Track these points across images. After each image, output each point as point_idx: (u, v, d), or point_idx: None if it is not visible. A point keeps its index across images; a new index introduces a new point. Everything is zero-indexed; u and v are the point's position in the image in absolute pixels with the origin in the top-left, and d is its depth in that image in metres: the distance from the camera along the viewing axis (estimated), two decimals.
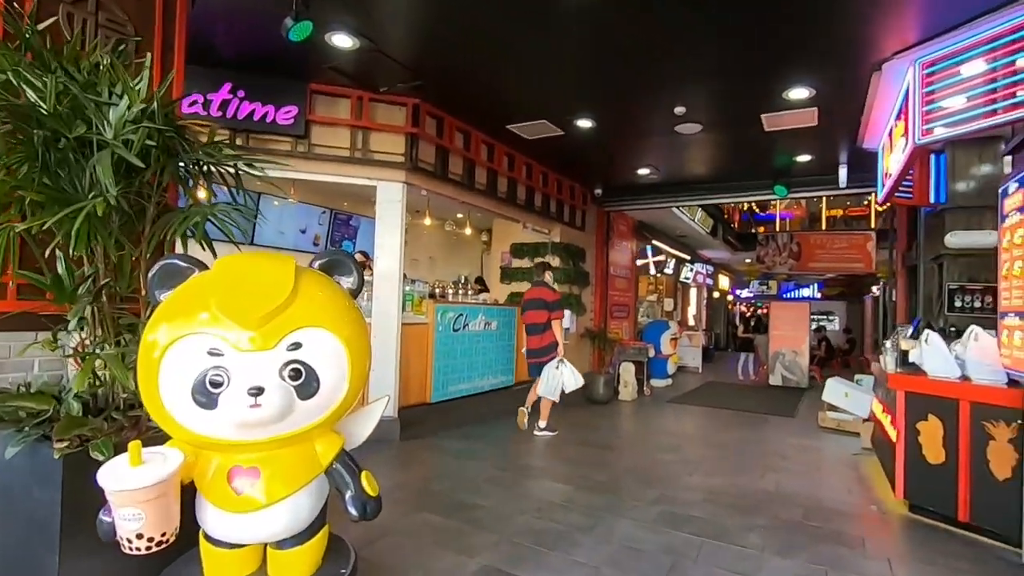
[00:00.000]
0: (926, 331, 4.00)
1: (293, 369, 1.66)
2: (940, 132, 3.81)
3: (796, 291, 28.09)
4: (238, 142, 4.79)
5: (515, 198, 7.21)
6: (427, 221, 8.26)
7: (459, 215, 10.07)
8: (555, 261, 8.39)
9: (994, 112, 3.51)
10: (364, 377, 1.89)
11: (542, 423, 5.89)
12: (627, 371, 9.45)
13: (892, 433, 4.30)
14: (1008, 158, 5.54)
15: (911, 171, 4.97)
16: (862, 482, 4.76)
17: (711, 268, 18.92)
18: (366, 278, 6.15)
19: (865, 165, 6.83)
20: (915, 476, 3.92)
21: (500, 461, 4.87)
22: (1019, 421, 3.35)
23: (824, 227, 17.93)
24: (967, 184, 5.63)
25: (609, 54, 4.34)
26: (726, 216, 16.15)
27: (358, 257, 6.84)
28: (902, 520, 3.87)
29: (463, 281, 10.81)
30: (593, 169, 7.99)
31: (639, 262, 11.44)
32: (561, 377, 5.84)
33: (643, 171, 7.66)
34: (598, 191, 9.01)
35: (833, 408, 7.70)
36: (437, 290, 7.94)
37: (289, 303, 1.66)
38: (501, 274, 8.80)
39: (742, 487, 4.41)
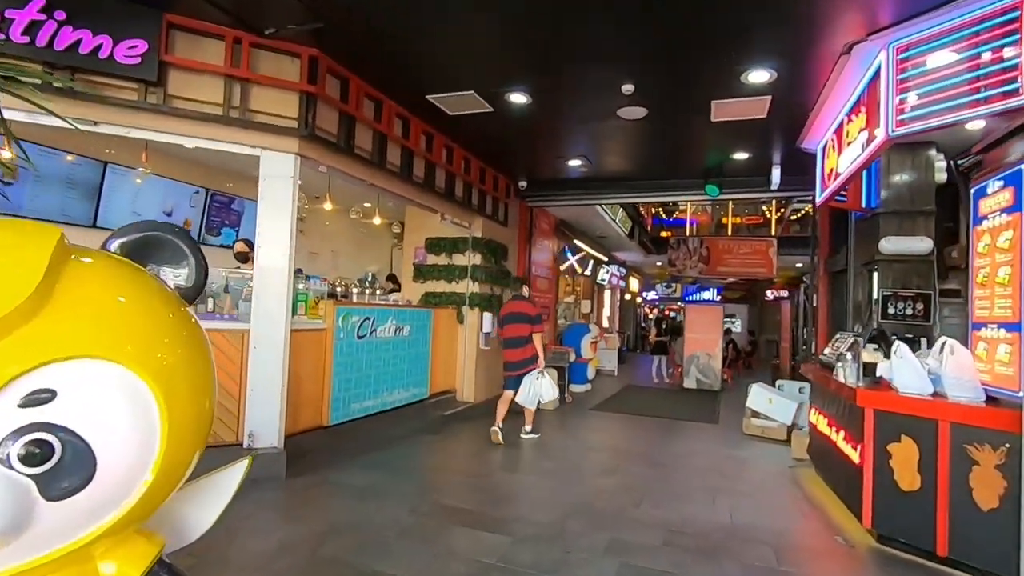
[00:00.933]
0: (897, 343, 3.64)
1: (32, 443, 0.72)
2: (917, 124, 3.45)
3: (698, 294, 29.47)
4: (56, 86, 3.47)
5: (433, 184, 6.28)
6: (328, 206, 7.08)
7: (367, 204, 8.94)
8: (475, 258, 7.56)
9: (980, 102, 3.16)
10: (195, 440, 0.96)
11: (528, 427, 6.19)
12: (548, 376, 8.83)
13: (851, 453, 3.93)
14: (942, 164, 5.52)
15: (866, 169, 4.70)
16: (813, 504, 4.39)
17: (624, 270, 19.01)
18: (243, 272, 4.96)
19: (797, 167, 6.68)
20: (885, 504, 3.53)
21: (415, 500, 3.95)
22: (1007, 445, 3.01)
23: (729, 233, 18.61)
24: (900, 189, 5.55)
25: (545, 12, 3.60)
26: (642, 219, 16.21)
27: (239, 248, 5.57)
28: (873, 555, 3.45)
29: (371, 279, 9.69)
30: (520, 158, 7.25)
31: (563, 266, 10.91)
32: (540, 388, 6.08)
33: (574, 162, 7.04)
34: (523, 183, 8.30)
35: (757, 415, 7.57)
36: (339, 289, 6.82)
37: (29, 313, 0.71)
38: (414, 271, 7.82)
39: (697, 521, 3.84)
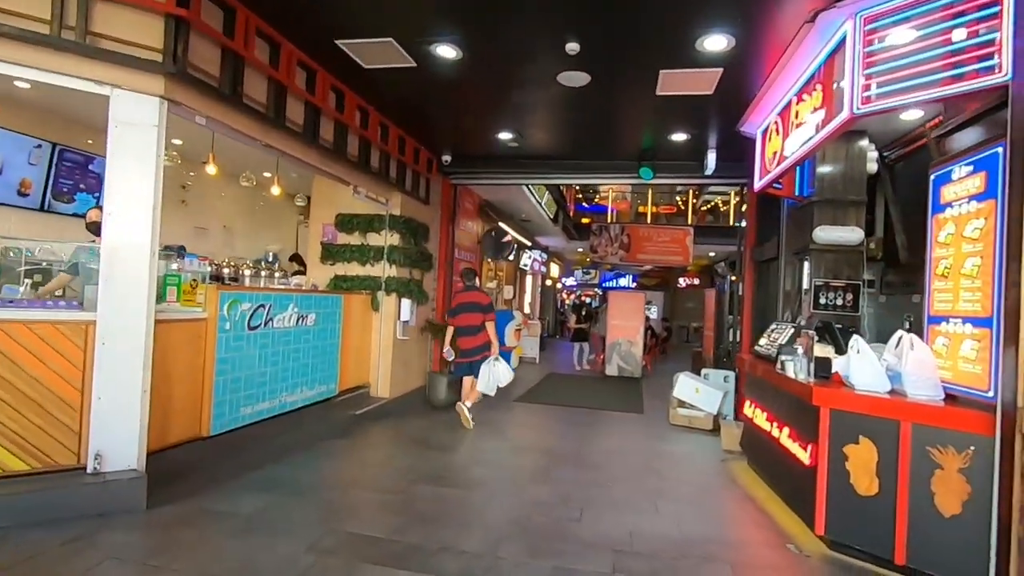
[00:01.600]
0: (855, 337, 3.41)
1: None
2: (885, 101, 3.18)
3: (615, 280, 30.10)
4: None
5: (344, 151, 5.43)
6: (212, 169, 5.97)
7: (267, 173, 7.82)
8: (393, 238, 6.78)
9: (955, 79, 2.92)
10: None
11: (468, 403, 6.26)
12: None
13: (800, 454, 3.70)
14: (874, 154, 5.50)
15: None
16: (757, 506, 4.16)
17: (546, 256, 18.78)
18: (86, 246, 3.85)
19: (732, 153, 6.50)
20: (840, 509, 3.31)
21: (316, 531, 3.23)
22: (972, 448, 2.82)
23: (649, 222, 18.89)
24: (834, 178, 5.47)
25: None
26: (566, 203, 15.97)
27: (91, 216, 4.44)
28: (828, 564, 3.22)
29: (272, 259, 8.59)
30: (446, 128, 6.53)
31: (485, 241, 10.32)
32: (498, 374, 6.20)
33: (505, 136, 6.43)
34: (446, 158, 7.58)
35: (683, 404, 7.47)
36: (228, 271, 5.80)
37: None
38: (323, 252, 6.90)
39: (644, 535, 3.44)
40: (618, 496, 4.18)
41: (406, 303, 6.93)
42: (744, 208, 7.59)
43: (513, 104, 5.44)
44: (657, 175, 6.97)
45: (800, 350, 3.83)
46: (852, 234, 5.33)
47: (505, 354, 10.24)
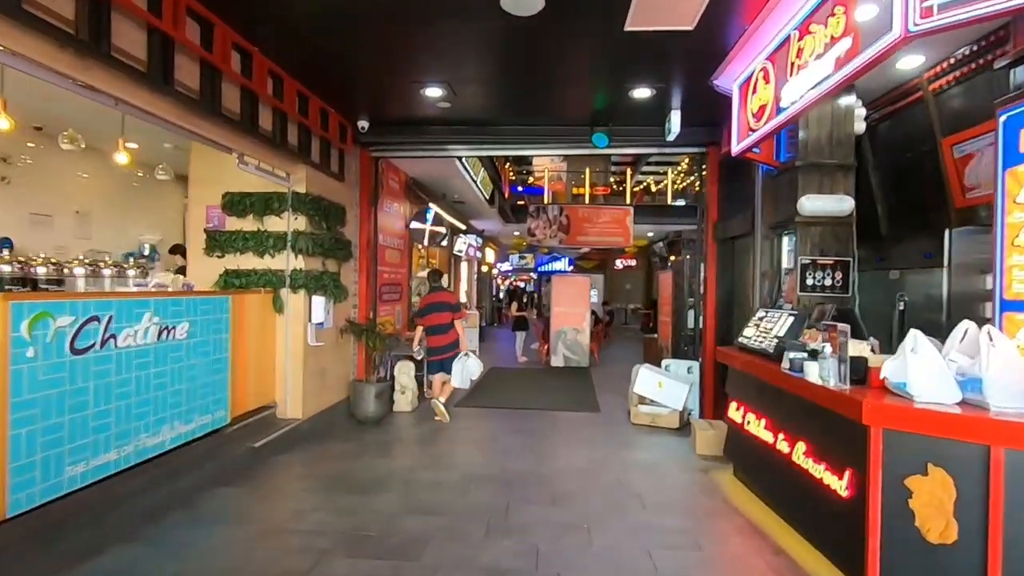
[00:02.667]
0: (912, 333, 2.59)
1: None
2: (957, 12, 2.34)
3: (551, 264, 29.47)
4: None
5: (218, 105, 4.07)
6: (3, 124, 4.34)
7: (134, 142, 6.19)
8: (299, 221, 5.46)
9: None
10: None
11: (442, 399, 6.45)
12: (404, 373, 7.11)
13: (833, 483, 2.89)
14: (861, 112, 4.79)
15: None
16: (770, 543, 3.35)
17: (480, 240, 17.68)
18: None
19: (698, 115, 5.68)
20: (901, 560, 2.51)
21: None
22: None
23: (587, 202, 18.18)
24: (820, 140, 4.74)
25: None
26: (502, 183, 14.93)
27: None
28: None
29: (149, 253, 6.98)
30: (360, 82, 5.25)
31: (414, 224, 9.07)
32: (470, 368, 6.37)
33: (434, 92, 5.24)
34: (363, 124, 6.28)
35: (643, 400, 6.69)
36: (46, 269, 4.30)
37: None
38: (207, 241, 5.47)
39: None
40: (601, 547, 3.23)
41: (319, 301, 5.65)
42: (700, 182, 6.84)
43: (443, 43, 4.27)
44: (612, 142, 6.03)
45: (827, 349, 2.99)
46: (841, 203, 4.62)
47: None
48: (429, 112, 5.89)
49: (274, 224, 5.46)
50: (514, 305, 11.86)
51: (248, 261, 5.45)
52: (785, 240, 5.18)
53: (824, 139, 4.71)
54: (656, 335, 9.21)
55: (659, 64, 4.64)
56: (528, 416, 6.95)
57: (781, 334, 3.92)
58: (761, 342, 4.11)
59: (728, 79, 4.67)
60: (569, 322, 11.36)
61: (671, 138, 5.76)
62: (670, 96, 5.35)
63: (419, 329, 6.51)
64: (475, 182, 9.93)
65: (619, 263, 22.88)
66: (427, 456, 5.13)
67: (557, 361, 11.29)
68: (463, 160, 8.43)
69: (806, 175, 4.71)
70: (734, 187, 6.32)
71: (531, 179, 20.33)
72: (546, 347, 11.63)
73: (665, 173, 21.81)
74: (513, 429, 6.25)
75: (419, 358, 6.79)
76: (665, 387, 6.54)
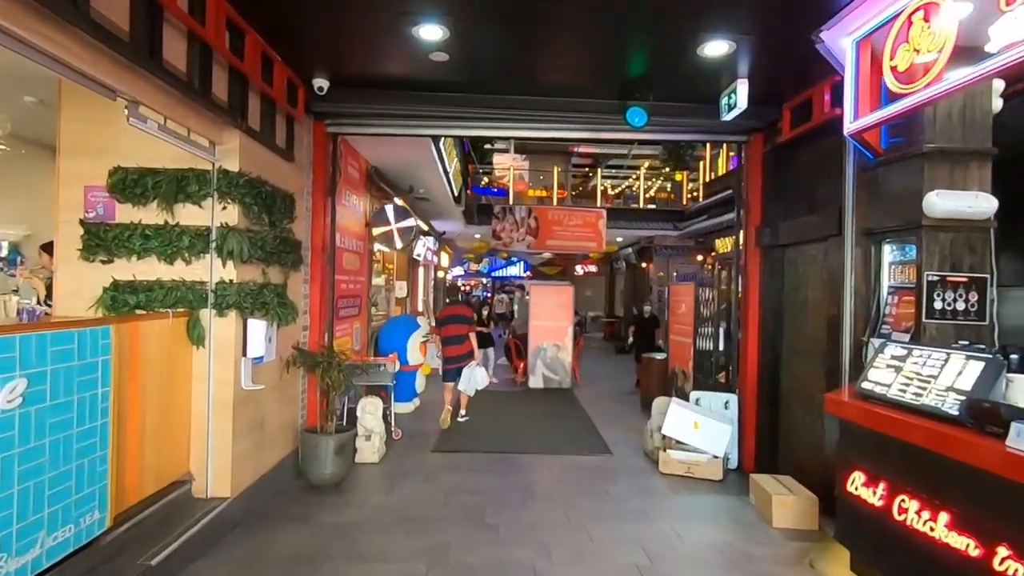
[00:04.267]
0: None
1: None
2: None
3: (505, 268, 28.08)
4: None
5: (83, 11, 2.41)
6: None
7: None
8: (228, 212, 3.79)
9: None
10: None
11: (463, 411, 7.15)
12: (370, 413, 5.51)
13: None
14: (999, 84, 3.70)
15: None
16: None
17: (438, 243, 16.06)
18: None
19: (755, 91, 4.46)
20: None
21: None
22: None
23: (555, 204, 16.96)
24: (950, 119, 3.62)
25: None
26: (470, 178, 13.49)
27: None
28: None
29: (8, 254, 5.05)
30: (321, 11, 3.66)
31: (377, 230, 7.44)
32: (476, 377, 6.93)
33: (429, 31, 3.70)
34: (321, 84, 4.66)
35: (668, 441, 5.43)
36: None
37: None
38: (85, 239, 3.68)
39: None
40: None
41: (257, 326, 3.98)
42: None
43: None
44: (651, 123, 4.72)
45: None
46: (983, 203, 3.52)
47: (408, 376, 7.54)
48: (416, 68, 4.36)
49: (191, 216, 3.76)
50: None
51: (150, 268, 3.72)
52: (886, 249, 4.04)
53: (956, 118, 3.60)
54: (660, 356, 7.99)
55: (735, 8, 3.36)
56: (521, 464, 5.54)
57: (962, 386, 2.71)
58: (920, 395, 2.89)
59: (842, 31, 3.46)
60: (550, 337, 10.01)
61: (730, 116, 4.52)
62: (738, 59, 4.09)
63: (437, 338, 7.20)
64: (447, 174, 8.41)
65: (580, 269, 21.83)
66: (422, 547, 3.59)
67: (536, 382, 9.91)
68: (441, 145, 6.92)
69: (933, 165, 3.58)
70: (787, 181, 5.18)
71: (486, 180, 18.75)
72: (523, 366, 10.21)
73: (626, 177, 21.04)
74: (506, 486, 4.84)
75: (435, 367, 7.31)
76: (703, 428, 5.30)
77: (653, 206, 16.70)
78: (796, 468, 4.83)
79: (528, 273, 24.83)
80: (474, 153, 15.89)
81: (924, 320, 3.54)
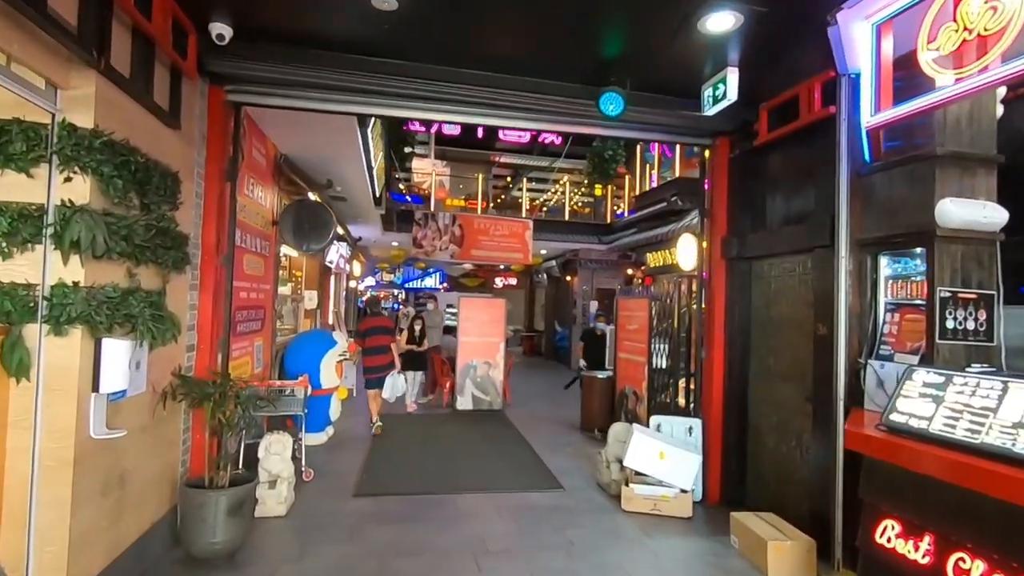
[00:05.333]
0: None
1: None
2: None
3: (421, 280, 26.80)
4: None
5: None
6: None
7: None
8: (75, 188, 2.65)
9: None
10: None
11: (375, 418, 7.13)
12: (276, 453, 4.42)
13: None
14: (1001, 89, 3.49)
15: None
16: None
17: (351, 250, 14.72)
18: None
19: (747, 91, 4.03)
20: None
21: None
22: None
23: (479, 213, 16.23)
24: (958, 121, 3.34)
25: None
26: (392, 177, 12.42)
27: None
28: None
29: None
30: None
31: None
32: (397, 383, 7.07)
33: None
34: (221, 31, 3.59)
35: (626, 471, 4.83)
36: None
37: None
38: None
39: None
40: None
41: (117, 348, 2.83)
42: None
43: None
44: (628, 112, 4.12)
45: None
46: (995, 213, 3.24)
47: (322, 401, 6.40)
48: (353, 22, 3.45)
49: (14, 188, 2.58)
50: (402, 336, 8.86)
51: None
52: (883, 263, 3.71)
53: (964, 122, 3.32)
54: (603, 374, 7.43)
55: None
56: (473, 508, 4.69)
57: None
58: (978, 432, 2.44)
59: (859, 13, 3.05)
60: (480, 354, 9.20)
61: (715, 110, 4.04)
62: (732, 41, 3.61)
63: (358, 349, 6.93)
64: (371, 170, 7.40)
65: (499, 281, 21.23)
66: None
67: (464, 403, 9.03)
68: (369, 132, 5.96)
69: (944, 170, 3.26)
70: (755, 191, 4.83)
71: (403, 187, 17.45)
72: (448, 383, 9.30)
73: (545, 191, 20.80)
74: (467, 542, 3.95)
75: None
76: (669, 458, 4.76)
77: (579, 219, 16.49)
78: (770, 502, 4.40)
79: (445, 284, 23.88)
80: (394, 155, 14.79)
81: (938, 341, 3.18)
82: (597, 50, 3.84)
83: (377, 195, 9.18)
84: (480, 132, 15.96)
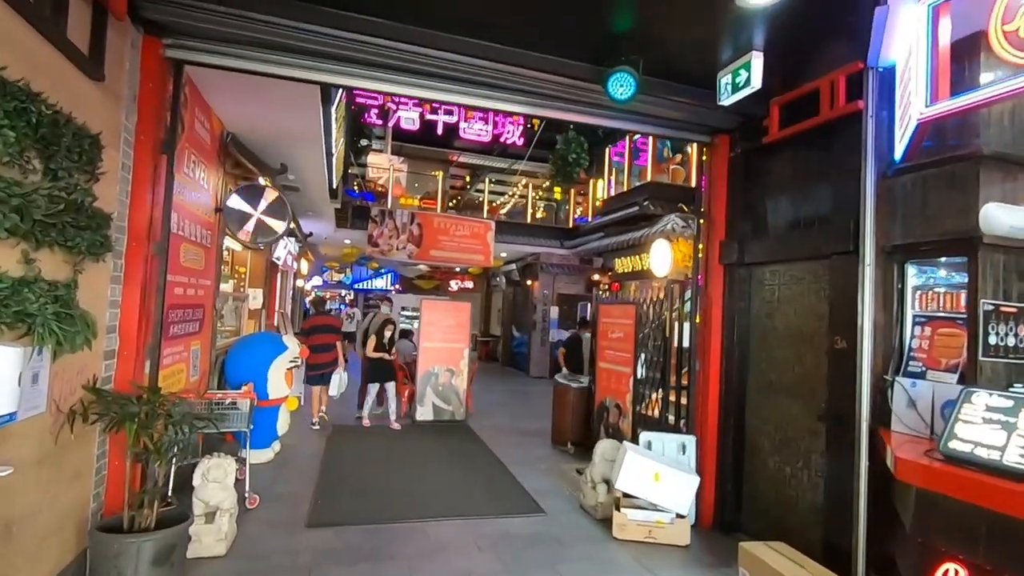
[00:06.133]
0: None
1: None
2: None
3: (370, 280, 25.68)
4: None
5: None
6: None
7: None
8: None
9: None
10: None
11: (315, 418, 7.37)
12: (215, 480, 3.71)
13: None
14: None
15: None
16: None
17: (300, 247, 13.74)
18: None
19: (787, 66, 3.70)
20: None
21: None
22: None
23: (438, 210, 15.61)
24: (1001, 120, 3.10)
25: None
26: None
27: None
28: None
29: None
30: None
31: (237, 204, 5.48)
32: (342, 380, 7.30)
33: None
34: None
35: (624, 497, 4.41)
36: None
37: None
38: None
39: None
40: None
41: (7, 356, 2.12)
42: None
43: None
44: (639, 97, 3.69)
45: None
46: None
47: (269, 413, 5.64)
48: None
49: None
50: (371, 342, 7.82)
51: None
52: (909, 270, 3.44)
53: (1007, 119, 3.09)
54: (577, 384, 6.98)
55: None
56: (446, 539, 4.11)
57: None
58: (998, 457, 2.13)
59: None
60: (442, 361, 8.59)
61: (733, 99, 3.68)
62: (759, 22, 3.26)
63: (304, 349, 6.40)
64: (331, 156, 6.70)
65: (455, 284, 20.57)
66: None
67: (425, 413, 8.39)
68: (332, 111, 5.29)
69: (988, 172, 3.01)
70: (759, 192, 4.52)
71: (356, 183, 16.40)
72: (408, 392, 8.63)
73: (503, 193, 20.34)
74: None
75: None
76: (664, 480, 4.36)
77: (540, 223, 16.12)
78: (771, 528, 4.07)
79: (397, 286, 22.99)
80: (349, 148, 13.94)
81: (981, 358, 2.91)
82: (605, 23, 3.39)
83: (334, 187, 8.45)
84: (440, 129, 15.34)
